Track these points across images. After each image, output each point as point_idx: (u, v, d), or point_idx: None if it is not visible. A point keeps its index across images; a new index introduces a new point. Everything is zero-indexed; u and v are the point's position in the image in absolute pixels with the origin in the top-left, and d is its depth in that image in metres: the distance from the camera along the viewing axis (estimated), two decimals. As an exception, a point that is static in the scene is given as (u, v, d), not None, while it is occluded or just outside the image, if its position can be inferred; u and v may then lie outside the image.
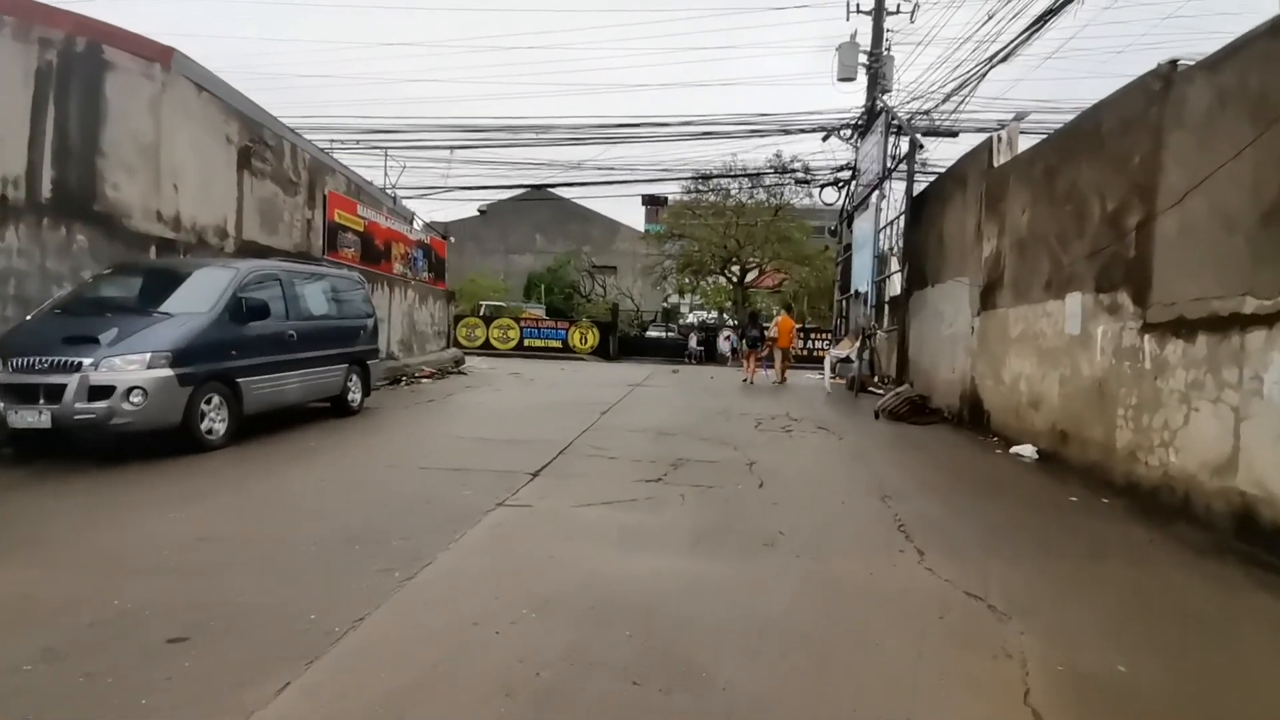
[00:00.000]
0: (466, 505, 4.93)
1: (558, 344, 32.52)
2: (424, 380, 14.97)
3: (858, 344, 13.99)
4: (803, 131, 17.86)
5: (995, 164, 10.49)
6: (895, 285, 16.45)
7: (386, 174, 17.01)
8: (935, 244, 12.84)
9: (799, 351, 30.83)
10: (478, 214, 56.69)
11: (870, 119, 17.17)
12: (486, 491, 5.32)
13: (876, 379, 15.88)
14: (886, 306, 14.31)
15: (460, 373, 17.21)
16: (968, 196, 11.38)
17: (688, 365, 26.79)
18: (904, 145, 14.31)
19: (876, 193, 14.28)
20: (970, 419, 10.54)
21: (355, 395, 9.39)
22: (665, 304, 48.86)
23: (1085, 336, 7.53)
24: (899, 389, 11.12)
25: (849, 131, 18.42)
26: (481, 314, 34.72)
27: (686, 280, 43.00)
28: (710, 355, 31.29)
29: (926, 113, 15.18)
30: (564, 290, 43.32)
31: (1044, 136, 9.54)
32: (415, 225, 17.70)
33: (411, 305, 16.75)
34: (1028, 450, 8.26)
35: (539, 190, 19.40)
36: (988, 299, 10.24)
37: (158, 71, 9.15)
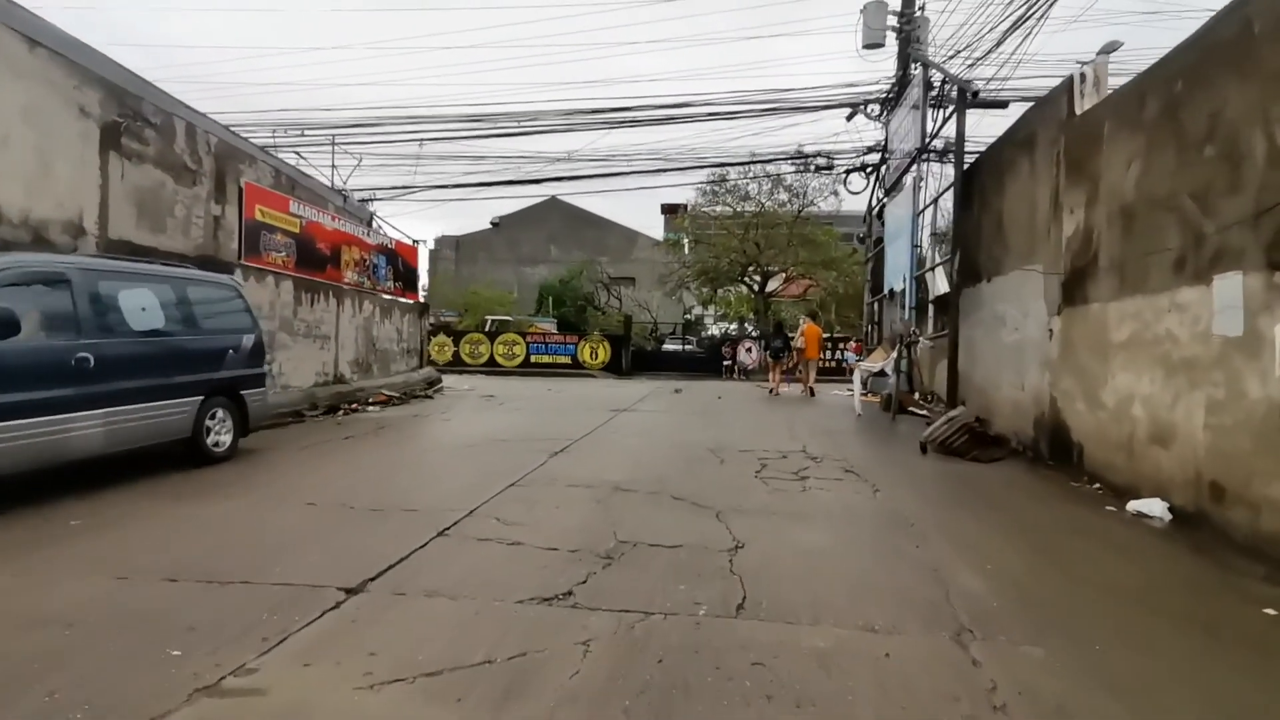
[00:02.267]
0: (134, 694, 2.49)
1: (566, 360, 30.29)
2: (372, 407, 12.64)
3: (894, 354, 11.35)
4: (824, 108, 15.30)
5: (1078, 112, 7.86)
6: (939, 282, 13.76)
7: (335, 168, 14.82)
8: (991, 228, 10.18)
9: (826, 363, 28.13)
10: (490, 225, 55.27)
11: (901, 89, 14.56)
12: (223, 643, 2.88)
13: (918, 396, 13.19)
14: (931, 307, 11.59)
15: (427, 396, 14.87)
16: (1037, 161, 8.74)
17: (726, 381, 24.22)
18: (937, 119, 11.70)
19: (914, 171, 11.67)
20: (1051, 453, 7.87)
21: (221, 437, 7.03)
22: (687, 316, 46.46)
23: (1252, 338, 4.89)
24: (952, 413, 8.48)
25: (876, 108, 15.82)
26: (487, 329, 32.58)
27: (704, 290, 40.58)
28: (733, 369, 28.58)
29: (969, 83, 12.55)
30: (577, 302, 41.09)
31: (1149, 67, 6.90)
32: (376, 227, 15.47)
33: (369, 319, 14.47)
34: (1155, 507, 5.60)
35: (522, 184, 17.05)
36: (1073, 292, 7.59)
37: (-40, 16, 6.98)
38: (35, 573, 3.78)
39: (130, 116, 8.92)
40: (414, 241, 16.52)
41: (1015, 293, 9.25)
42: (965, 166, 10.09)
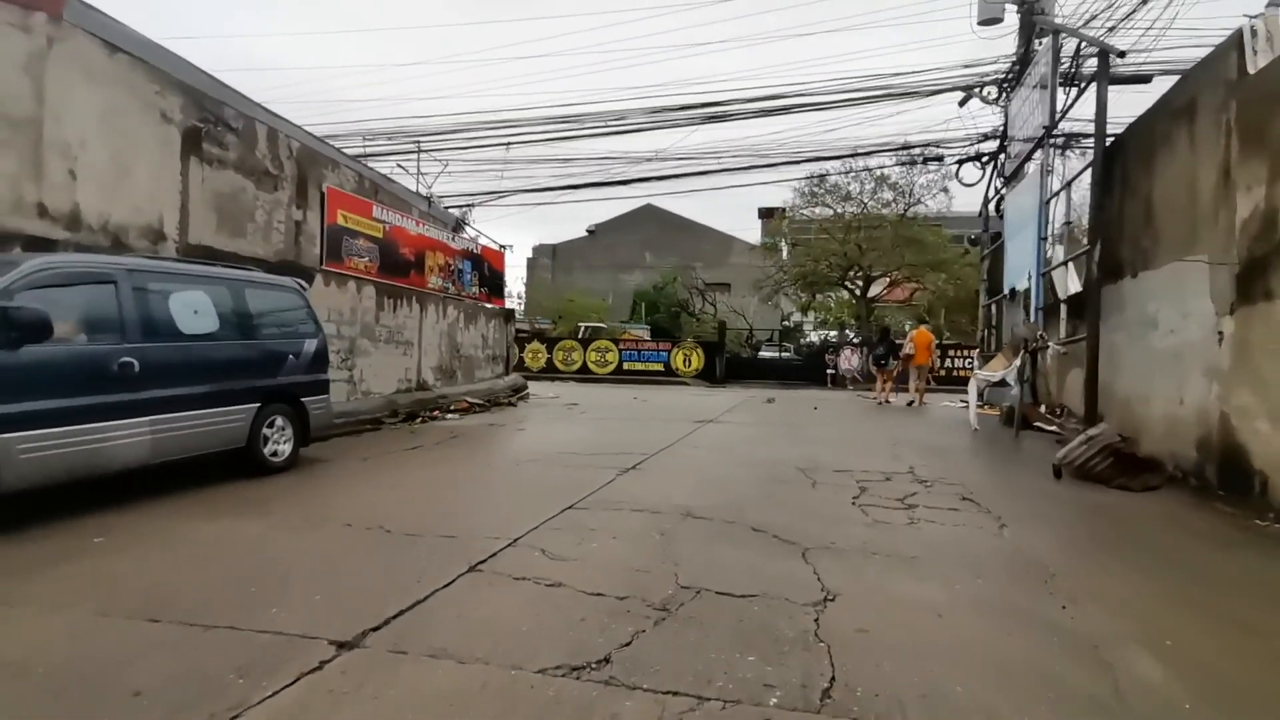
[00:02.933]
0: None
1: (659, 367, 29.79)
2: (452, 415, 12.35)
3: (1017, 361, 10.00)
4: (933, 92, 13.98)
5: (1250, 71, 6.48)
6: (1070, 280, 12.21)
7: (420, 172, 14.75)
8: (1138, 215, 8.74)
9: (936, 372, 26.23)
10: (586, 233, 55.62)
11: (1023, 68, 13.08)
12: (161, 717, 2.32)
13: (1044, 409, 11.68)
14: (1064, 308, 10.15)
15: (510, 404, 14.53)
16: (1199, 132, 7.34)
17: (827, 390, 22.95)
18: (1069, 95, 10.28)
19: (1039, 156, 10.30)
20: (1222, 482, 6.49)
21: (279, 446, 6.72)
22: (785, 322, 45.01)
23: None
24: (1091, 431, 7.18)
25: (994, 90, 14.34)
26: (580, 336, 32.49)
27: (802, 295, 39.10)
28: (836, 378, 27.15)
29: (1111, 46, 11.00)
30: (670, 309, 40.51)
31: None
32: (464, 233, 15.32)
33: (453, 325, 14.28)
34: (1383, 562, 4.30)
35: (610, 185, 16.51)
36: (1252, 286, 6.22)
37: (40, 22, 7.02)
38: (22, 601, 3.39)
39: (211, 121, 8.91)
40: (501, 247, 16.29)
41: (1170, 289, 7.82)
42: (1106, 144, 8.70)
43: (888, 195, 29.72)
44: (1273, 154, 6.07)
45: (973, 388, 10.88)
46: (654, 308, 40.95)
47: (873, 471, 7.01)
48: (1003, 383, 10.32)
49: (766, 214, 45.55)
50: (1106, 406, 9.85)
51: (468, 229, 14.50)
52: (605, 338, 31.71)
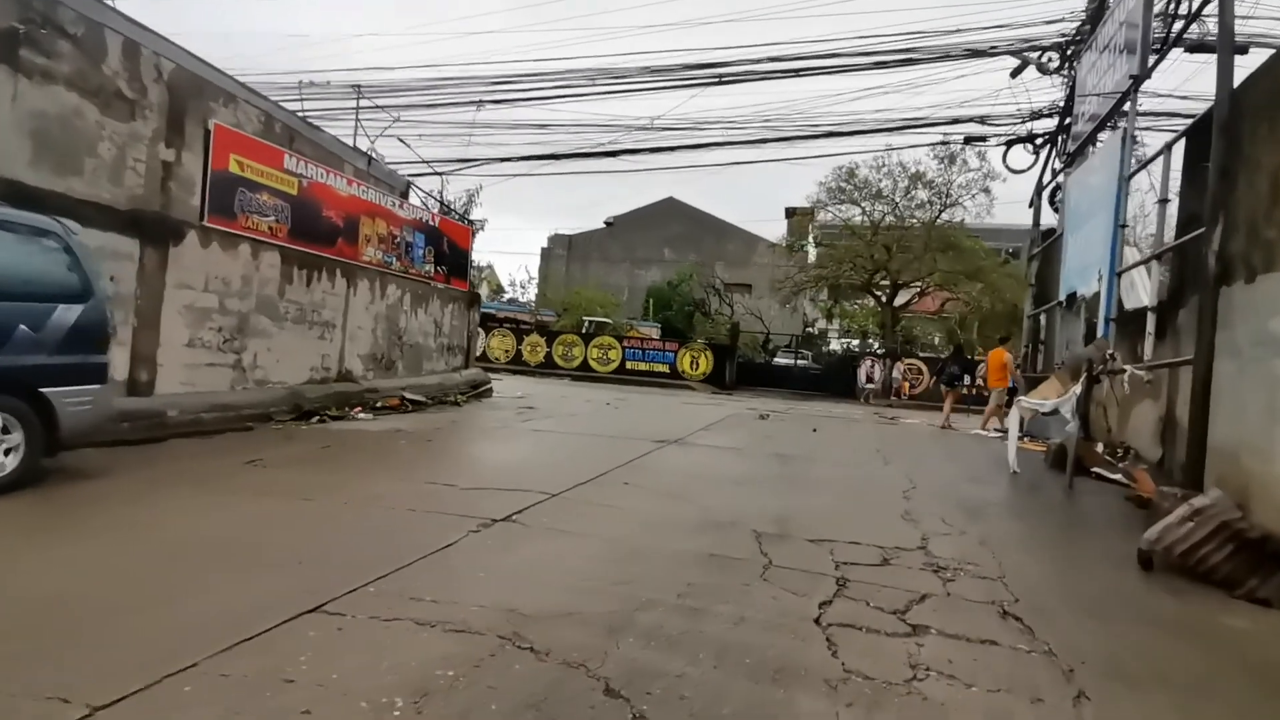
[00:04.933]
0: None
1: (664, 368, 27.73)
2: (376, 414, 10.21)
3: (1076, 388, 7.59)
4: (977, 55, 11.54)
5: None
6: (1138, 289, 9.70)
7: (359, 123, 12.60)
8: (1260, 194, 6.31)
9: (969, 390, 23.68)
10: (604, 225, 53.54)
11: (1094, 27, 10.60)
12: None
13: (1101, 449, 9.23)
14: (1151, 319, 7.60)
15: (454, 403, 12.37)
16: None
17: (851, 405, 20.52)
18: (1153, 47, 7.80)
19: (1116, 130, 7.90)
20: None
21: (-6, 457, 4.61)
22: (808, 328, 42.51)
23: None
24: (1199, 502, 4.80)
25: (1055, 57, 11.87)
26: (583, 331, 30.44)
27: (825, 301, 36.60)
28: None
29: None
30: (684, 308, 38.20)
31: None
32: (417, 201, 13.21)
33: (395, 307, 12.17)
34: None
35: (595, 157, 14.29)
36: None
37: None
38: None
39: (36, 23, 6.87)
40: (467, 222, 14.15)
41: (1317, 298, 5.41)
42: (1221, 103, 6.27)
43: (922, 195, 27.12)
44: None
45: (1014, 418, 8.48)
46: (667, 305, 38.68)
47: (865, 545, 4.70)
48: (1054, 413, 7.92)
49: (793, 214, 43.10)
50: (1217, 462, 7.42)
51: (475, 212, 12.29)
52: (609, 334, 29.61)
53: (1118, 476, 7.92)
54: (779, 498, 6.07)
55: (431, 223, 13.37)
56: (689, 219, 49.47)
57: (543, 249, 54.40)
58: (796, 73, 11.98)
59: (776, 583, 3.82)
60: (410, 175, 13.25)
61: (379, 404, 10.86)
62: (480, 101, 14.05)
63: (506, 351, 28.88)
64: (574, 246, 54.07)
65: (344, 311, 10.87)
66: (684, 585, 3.66)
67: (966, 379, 14.22)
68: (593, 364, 27.98)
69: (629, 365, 27.64)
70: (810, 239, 35.29)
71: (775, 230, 44.68)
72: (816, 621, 3.32)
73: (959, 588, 3.98)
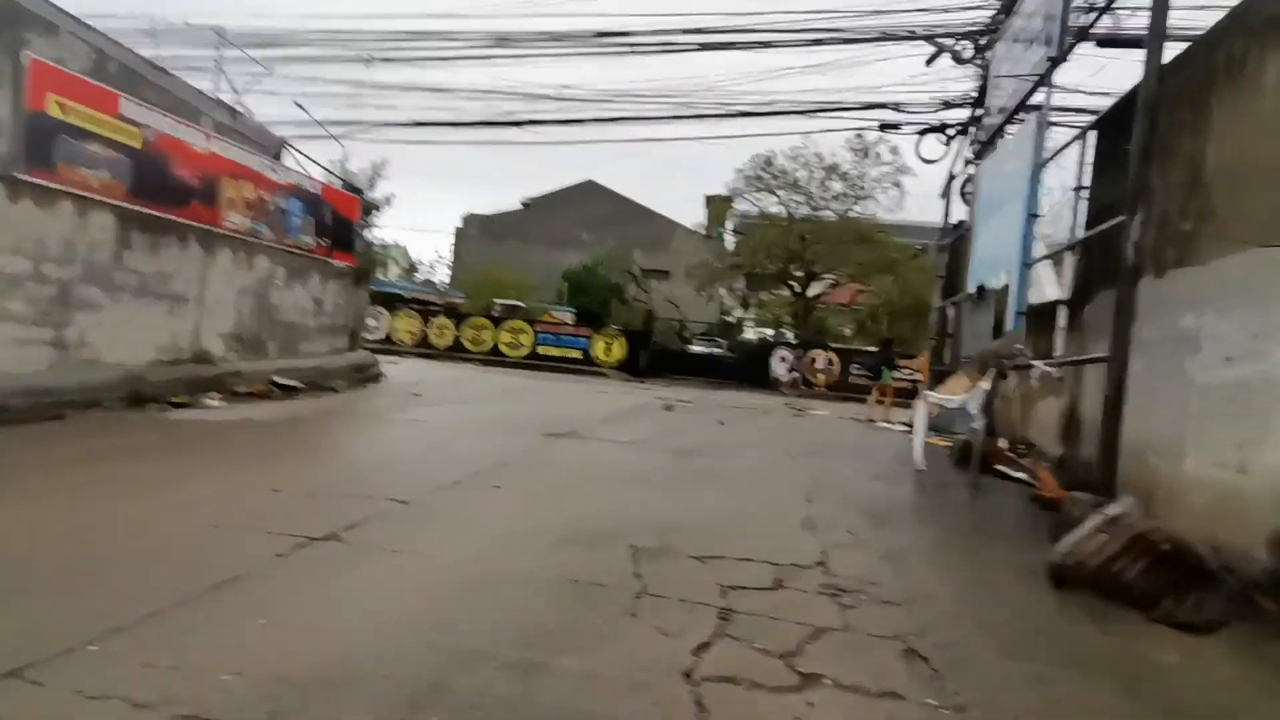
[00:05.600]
0: None
1: (577, 354, 26.98)
2: (231, 403, 9.04)
3: (984, 384, 7.28)
4: (890, 39, 11.21)
5: None
6: (1044, 284, 9.58)
7: (221, 68, 11.21)
8: (1174, 186, 6.07)
9: (863, 380, 23.90)
10: (521, 206, 52.10)
11: (1008, 15, 10.39)
12: None
13: (1004, 446, 9.07)
14: (1061, 313, 7.32)
15: (331, 389, 11.24)
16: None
17: (764, 395, 20.20)
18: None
19: (1040, 98, 7.61)
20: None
21: None
22: (726, 317, 42.50)
23: None
24: (1112, 509, 4.43)
25: (969, 47, 11.66)
26: (494, 314, 29.26)
27: (742, 290, 36.60)
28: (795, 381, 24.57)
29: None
30: (601, 293, 37.42)
31: None
32: (299, 164, 11.93)
33: (265, 281, 10.92)
34: None
35: (508, 126, 13.26)
36: None
37: None
38: None
39: None
40: (354, 190, 12.93)
41: (1230, 293, 5.16)
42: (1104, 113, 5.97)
43: (837, 186, 27.25)
44: None
45: (920, 414, 8.16)
46: (583, 290, 37.83)
47: (758, 561, 4.10)
48: (962, 410, 7.61)
49: (712, 201, 42.92)
50: (1131, 466, 7.24)
51: (381, 186, 11.06)
52: (521, 318, 28.57)
53: (1021, 475, 7.70)
54: (670, 501, 5.43)
55: (311, 189, 12.12)
56: (608, 202, 48.62)
57: (457, 229, 52.56)
58: (712, 46, 11.37)
59: (646, 618, 3.15)
60: (298, 137, 11.92)
61: (241, 389, 9.67)
62: (370, 58, 12.81)
63: (412, 334, 27.44)
64: (490, 227, 52.36)
65: (200, 284, 9.59)
66: (529, 627, 2.94)
67: (896, 373, 14.12)
68: (503, 349, 26.97)
69: (541, 351, 26.79)
70: (729, 227, 35.16)
71: (696, 216, 44.35)
72: (687, 676, 2.66)
73: (860, 617, 3.42)
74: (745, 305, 42.05)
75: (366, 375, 12.83)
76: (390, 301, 29.72)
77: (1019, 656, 3.15)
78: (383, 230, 53.34)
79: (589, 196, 48.60)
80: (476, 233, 51.98)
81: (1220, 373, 5.23)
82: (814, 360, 24.61)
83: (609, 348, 26.65)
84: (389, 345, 25.78)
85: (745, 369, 25.94)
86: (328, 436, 7.31)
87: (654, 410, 11.96)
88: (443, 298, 37.37)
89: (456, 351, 26.61)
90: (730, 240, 34.82)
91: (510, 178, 78.41)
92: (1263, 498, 4.59)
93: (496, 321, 27.67)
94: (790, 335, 31.23)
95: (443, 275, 48.82)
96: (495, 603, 3.20)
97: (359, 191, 12.71)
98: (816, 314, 32.53)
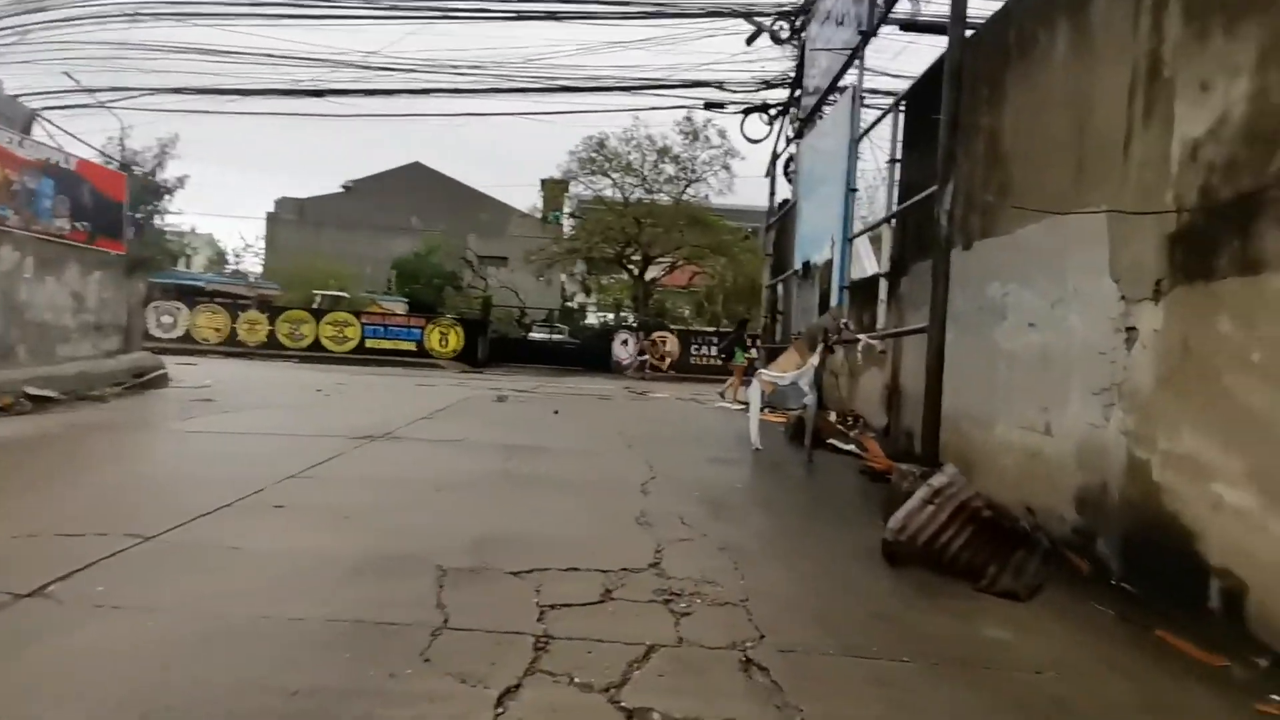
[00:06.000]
0: None
1: (410, 346, 25.45)
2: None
3: (814, 359, 7.31)
4: (718, 15, 11.13)
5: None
6: (864, 258, 9.91)
7: None
8: (975, 158, 6.29)
9: (704, 360, 24.46)
10: (342, 190, 48.55)
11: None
12: None
13: (834, 419, 9.30)
14: (883, 286, 7.46)
15: (99, 398, 9.57)
16: (1095, 21, 4.83)
17: (610, 380, 19.77)
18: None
19: (850, 76, 7.69)
20: (1130, 568, 4.01)
21: None
22: (567, 303, 41.98)
23: None
24: (937, 479, 4.40)
25: (785, 26, 11.83)
26: (315, 306, 26.93)
27: (580, 273, 36.26)
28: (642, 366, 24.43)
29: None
30: (434, 281, 35.56)
31: None
32: (50, 138, 10.00)
33: (10, 275, 9.03)
34: None
35: (305, 96, 11.84)
36: (1209, 251, 3.67)
37: None
38: None
39: None
40: (120, 167, 11.06)
41: (1031, 263, 5.36)
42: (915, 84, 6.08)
43: (669, 169, 27.49)
44: (1257, 32, 3.54)
45: (755, 391, 8.11)
46: (414, 279, 35.79)
47: (585, 570, 3.66)
48: (794, 387, 7.61)
49: (547, 184, 42.13)
50: (917, 424, 7.48)
51: (172, 166, 9.21)
52: (346, 310, 26.52)
53: (851, 447, 7.85)
54: (490, 508, 4.86)
55: (66, 165, 10.19)
56: (438, 186, 46.38)
57: (269, 214, 48.16)
58: (529, 16, 10.71)
59: (444, 663, 2.59)
60: (59, 108, 9.93)
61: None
62: (137, 14, 10.90)
63: (218, 331, 24.68)
64: (307, 212, 48.39)
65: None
66: (280, 697, 2.30)
67: (753, 352, 14.26)
68: (327, 343, 24.95)
69: (370, 344, 25.07)
70: (566, 210, 34.63)
71: (532, 201, 43.35)
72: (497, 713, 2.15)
73: (695, 627, 3.06)
74: (587, 290, 41.82)
75: (146, 380, 11.08)
76: (190, 295, 26.59)
77: (861, 652, 2.92)
78: (180, 216, 47.85)
79: (417, 180, 46.14)
80: (293, 218, 47.88)
81: (1024, 339, 5.44)
82: (655, 343, 24.76)
83: (444, 338, 25.43)
84: (188, 344, 23.04)
85: (587, 354, 25.69)
86: (77, 457, 6.03)
87: (485, 403, 11.24)
88: (255, 290, 34.03)
89: (271, 348, 24.32)
90: (568, 224, 34.30)
91: (329, 161, 72.97)
92: (1067, 458, 4.78)
93: (318, 314, 25.52)
94: (631, 319, 31.30)
95: (255, 266, 44.47)
96: (248, 663, 2.51)
97: (127, 168, 10.87)
98: (656, 297, 32.87)
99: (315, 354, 24.23)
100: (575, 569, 3.66)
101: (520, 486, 5.51)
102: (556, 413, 10.20)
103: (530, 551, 3.88)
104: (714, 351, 24.24)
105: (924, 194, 5.64)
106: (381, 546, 3.85)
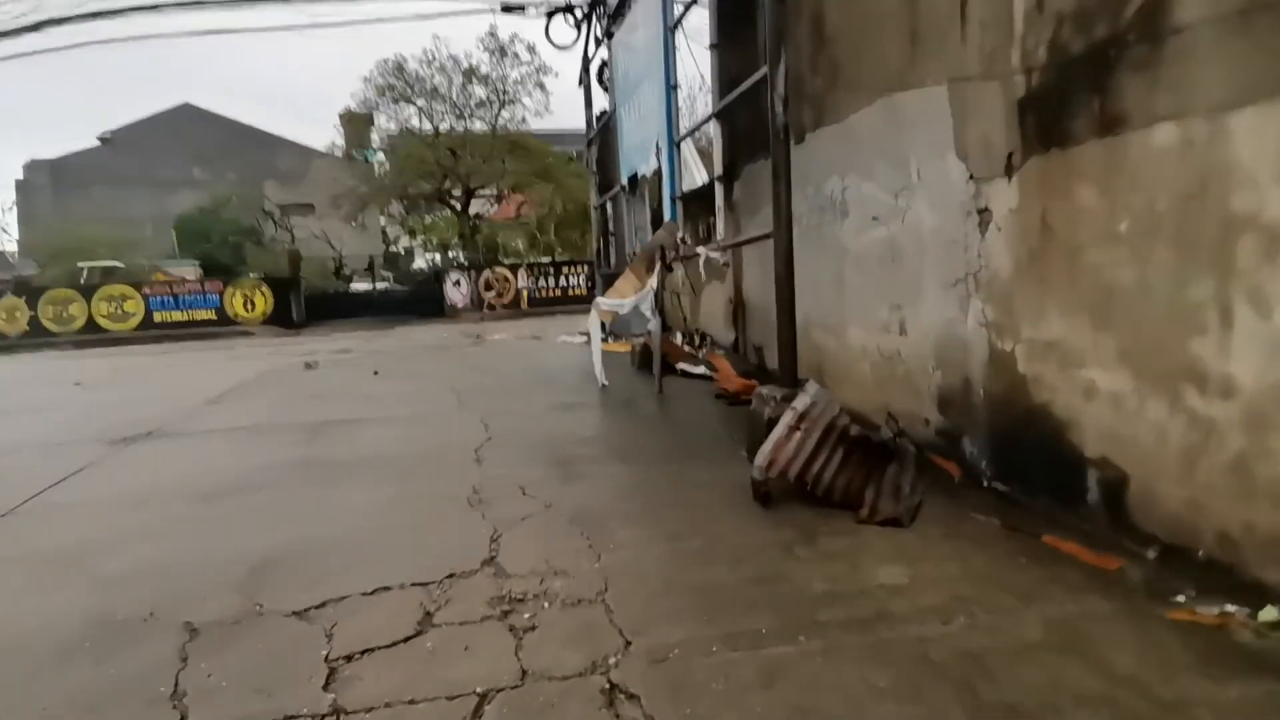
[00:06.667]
0: None
1: (209, 315, 22.59)
2: None
3: (653, 280, 6.69)
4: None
5: None
6: (693, 168, 9.31)
7: None
8: (812, 37, 5.72)
9: (550, 293, 23.56)
10: (99, 142, 41.70)
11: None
12: None
13: (681, 341, 8.85)
14: (719, 192, 6.81)
15: None
16: None
17: (443, 324, 18.18)
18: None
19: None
20: (1003, 467, 3.78)
21: None
22: (392, 247, 38.94)
23: None
24: (800, 401, 3.94)
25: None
26: (83, 282, 23.16)
27: (401, 213, 33.59)
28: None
29: None
30: (230, 239, 31.58)
31: None
32: None
33: None
34: None
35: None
36: (1063, 115, 3.29)
37: None
38: None
39: None
40: None
41: (865, 152, 4.93)
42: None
43: (480, 92, 25.48)
44: None
45: (594, 322, 7.41)
46: (206, 237, 31.59)
47: (398, 588, 2.85)
48: (637, 312, 6.99)
49: (348, 118, 38.19)
50: (766, 338, 7.13)
51: None
52: (123, 281, 22.93)
53: (701, 369, 7.42)
54: (277, 516, 3.88)
55: None
56: (217, 129, 40.82)
57: (19, 181, 40.75)
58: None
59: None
60: None
61: None
62: None
63: (-30, 326, 20.66)
64: (64, 174, 41.35)
65: None
66: None
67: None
68: (103, 323, 21.62)
69: (159, 318, 22.04)
70: (375, 146, 31.56)
71: (332, 139, 39.35)
72: None
73: (542, 648, 2.37)
74: (412, 232, 38.99)
75: None
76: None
77: (748, 640, 2.36)
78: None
79: (190, 124, 40.39)
80: (46, 183, 40.76)
81: (870, 236, 5.06)
82: (489, 281, 23.44)
83: (249, 301, 22.78)
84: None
85: (419, 301, 23.97)
86: None
87: (291, 373, 9.78)
88: (10, 271, 28.91)
89: (38, 335, 20.72)
90: (381, 162, 31.34)
91: (83, 111, 62.33)
92: (925, 357, 4.49)
93: (88, 291, 21.90)
94: (461, 257, 29.46)
95: (9, 244, 37.59)
96: None
97: None
98: (486, 232, 31.08)
99: (92, 336, 20.95)
100: (385, 588, 2.85)
101: (322, 479, 4.51)
102: (377, 373, 9.00)
103: (326, 572, 3.01)
104: (554, 284, 23.37)
105: (752, 80, 5.01)
106: (110, 603, 2.83)
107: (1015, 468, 3.75)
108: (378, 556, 3.17)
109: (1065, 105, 3.28)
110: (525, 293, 23.34)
